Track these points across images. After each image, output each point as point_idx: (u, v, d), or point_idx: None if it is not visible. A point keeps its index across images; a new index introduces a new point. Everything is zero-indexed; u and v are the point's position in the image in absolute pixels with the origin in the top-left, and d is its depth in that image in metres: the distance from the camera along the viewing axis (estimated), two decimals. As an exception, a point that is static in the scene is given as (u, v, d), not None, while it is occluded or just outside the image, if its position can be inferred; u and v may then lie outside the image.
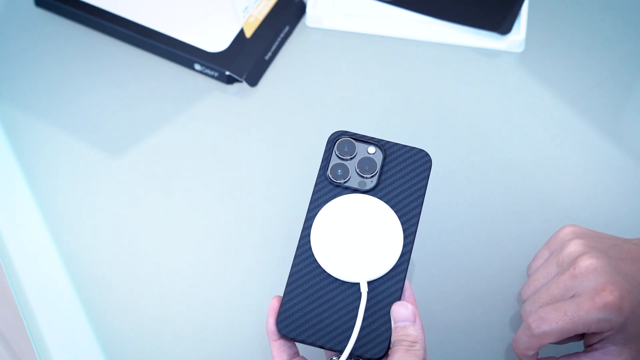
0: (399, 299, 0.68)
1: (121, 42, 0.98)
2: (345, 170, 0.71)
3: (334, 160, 0.71)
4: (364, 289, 0.67)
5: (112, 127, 0.93)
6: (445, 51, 0.97)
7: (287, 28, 0.98)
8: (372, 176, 0.71)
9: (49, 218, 0.87)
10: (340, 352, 0.67)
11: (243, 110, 0.94)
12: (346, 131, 0.72)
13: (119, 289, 0.83)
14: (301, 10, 0.99)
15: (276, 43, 0.97)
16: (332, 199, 0.70)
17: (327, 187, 0.71)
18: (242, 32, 0.96)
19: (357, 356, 0.67)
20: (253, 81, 0.95)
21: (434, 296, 0.81)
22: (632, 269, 0.70)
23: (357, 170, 0.71)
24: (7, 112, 0.94)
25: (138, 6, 0.98)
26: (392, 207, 0.70)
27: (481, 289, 0.81)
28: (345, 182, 0.71)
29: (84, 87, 0.95)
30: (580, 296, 0.68)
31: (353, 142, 0.72)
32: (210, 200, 0.88)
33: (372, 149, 0.72)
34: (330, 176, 0.71)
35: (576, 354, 0.72)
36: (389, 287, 0.68)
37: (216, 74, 0.94)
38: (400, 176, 0.71)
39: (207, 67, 0.94)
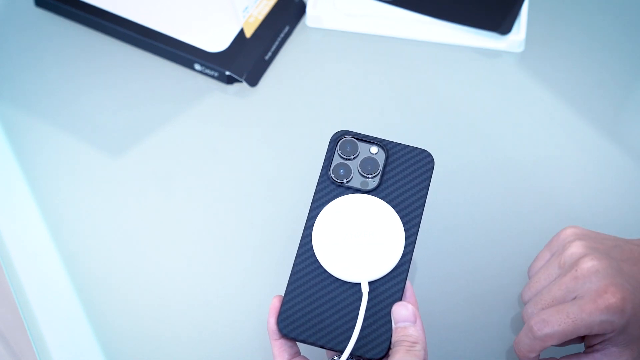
0: (400, 299, 0.68)
1: (121, 42, 0.98)
2: (348, 170, 0.71)
3: (336, 160, 0.71)
4: (365, 290, 0.67)
5: (112, 127, 0.93)
6: (445, 51, 0.97)
7: (287, 28, 0.98)
8: (374, 176, 0.71)
9: (49, 218, 0.87)
10: (341, 352, 0.67)
11: (243, 110, 0.94)
12: (349, 131, 0.72)
13: (119, 289, 0.83)
14: (301, 10, 0.99)
15: (276, 43, 0.97)
16: (334, 198, 0.70)
17: (329, 187, 0.71)
18: (242, 32, 0.96)
19: (358, 356, 0.67)
20: (253, 81, 0.95)
21: (434, 297, 0.81)
22: (634, 270, 0.70)
23: (360, 170, 0.71)
24: (7, 112, 0.94)
25: (138, 6, 0.98)
26: (394, 207, 0.70)
27: (482, 289, 0.81)
28: (347, 182, 0.71)
29: (84, 87, 0.95)
30: (582, 298, 0.68)
31: (355, 142, 0.72)
32: (211, 200, 0.88)
33: (374, 149, 0.72)
34: (333, 176, 0.71)
35: (577, 354, 0.72)
36: (390, 287, 0.68)
37: (216, 74, 0.94)
38: (403, 176, 0.71)
39: (207, 67, 0.94)
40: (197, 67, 0.95)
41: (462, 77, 0.95)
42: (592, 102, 0.93)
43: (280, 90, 0.95)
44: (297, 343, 0.69)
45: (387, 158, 0.71)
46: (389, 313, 0.67)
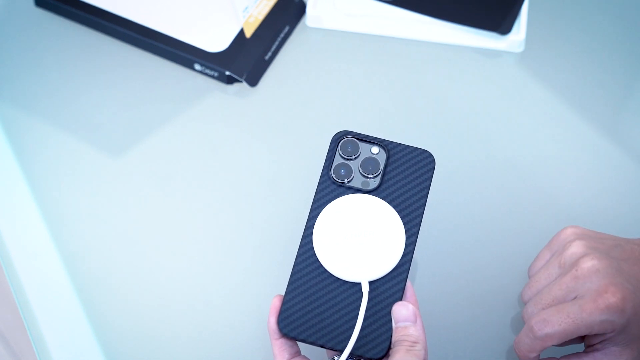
0: (401, 299, 0.68)
1: (121, 42, 0.98)
2: (349, 170, 0.71)
3: (337, 160, 0.71)
4: (365, 289, 0.67)
5: (112, 127, 0.93)
6: (445, 51, 0.97)
7: (287, 28, 0.98)
8: (375, 176, 0.71)
9: (49, 218, 0.87)
10: (341, 351, 0.67)
11: (243, 110, 0.94)
12: (350, 131, 0.72)
13: (119, 289, 0.83)
14: (301, 10, 0.99)
15: (276, 43, 0.97)
16: (334, 198, 0.70)
17: (330, 187, 0.71)
18: (242, 32, 0.96)
19: (358, 356, 0.67)
20: (253, 81, 0.95)
21: (434, 296, 0.81)
22: (634, 269, 0.70)
23: (361, 170, 0.71)
24: (7, 112, 0.94)
25: (138, 6, 0.98)
26: (394, 207, 0.70)
27: (482, 289, 0.81)
28: (348, 182, 0.71)
29: (84, 87, 0.95)
30: (582, 298, 0.68)
31: (356, 142, 0.72)
32: (211, 200, 0.88)
33: (375, 149, 0.72)
34: (334, 176, 0.71)
35: (577, 354, 0.72)
36: (390, 287, 0.68)
37: (216, 74, 0.94)
38: (404, 177, 0.71)
39: (207, 67, 0.94)
40: (197, 67, 0.95)
41: (462, 77, 0.95)
42: (592, 102, 0.93)
43: (280, 90, 0.95)
44: (298, 342, 0.69)
45: (388, 158, 0.71)
46: (389, 313, 0.67)
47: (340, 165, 0.71)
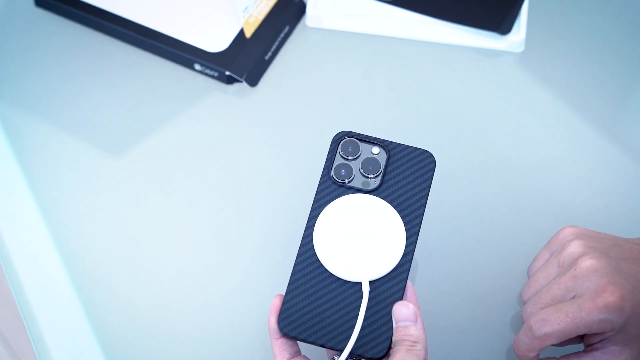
0: (401, 298, 0.68)
1: (121, 42, 0.98)
2: (349, 170, 0.71)
3: (338, 160, 0.71)
4: (366, 289, 0.67)
5: (112, 127, 0.93)
6: (445, 51, 0.97)
7: (287, 28, 0.98)
8: (375, 176, 0.71)
9: (49, 218, 0.87)
10: (342, 351, 0.67)
11: (243, 110, 0.94)
12: (350, 131, 0.72)
13: (119, 289, 0.83)
14: (301, 10, 0.99)
15: (276, 43, 0.97)
16: (335, 198, 0.70)
17: (331, 187, 0.71)
18: (242, 32, 0.96)
19: (358, 356, 0.67)
20: (253, 81, 0.95)
21: (434, 296, 0.81)
22: (633, 268, 0.70)
23: (361, 170, 0.71)
24: (7, 112, 0.94)
25: (138, 6, 0.98)
26: (395, 207, 0.70)
27: (482, 289, 0.81)
28: (348, 182, 0.71)
29: (84, 87, 0.95)
30: (581, 297, 0.68)
31: (357, 143, 0.72)
32: (211, 200, 0.88)
33: (376, 150, 0.72)
34: (334, 176, 0.71)
35: (576, 353, 0.72)
36: (391, 286, 0.68)
37: (216, 74, 0.94)
38: (404, 177, 0.71)
39: (207, 67, 0.94)
40: (197, 67, 0.95)
41: (462, 77, 0.95)
42: (592, 102, 0.93)
43: (280, 90, 0.95)
44: (298, 342, 0.69)
45: (388, 158, 0.71)
46: (390, 312, 0.67)
47: (340, 166, 0.71)
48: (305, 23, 0.99)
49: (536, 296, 0.72)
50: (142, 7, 0.98)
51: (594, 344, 0.71)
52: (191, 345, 0.80)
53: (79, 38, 0.99)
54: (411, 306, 0.67)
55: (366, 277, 0.68)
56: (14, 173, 0.90)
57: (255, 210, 0.87)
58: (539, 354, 0.71)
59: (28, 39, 0.99)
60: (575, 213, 0.85)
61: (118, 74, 0.96)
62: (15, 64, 0.97)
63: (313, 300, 0.68)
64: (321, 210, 0.70)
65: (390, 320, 0.67)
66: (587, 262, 0.69)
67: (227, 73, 0.94)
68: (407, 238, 0.69)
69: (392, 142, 0.72)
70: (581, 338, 0.73)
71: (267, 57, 0.96)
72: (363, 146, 0.72)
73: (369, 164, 0.71)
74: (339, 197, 0.70)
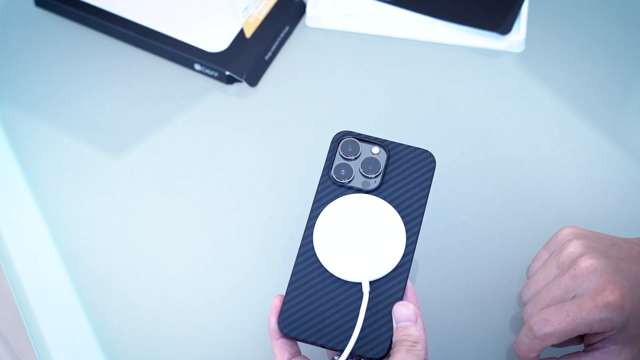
0: (401, 299, 0.68)
1: (121, 42, 0.98)
2: (349, 170, 0.71)
3: (338, 160, 0.71)
4: (366, 289, 0.67)
5: (112, 127, 0.93)
6: (445, 51, 0.97)
7: (287, 28, 0.98)
8: (375, 176, 0.71)
9: (49, 218, 0.87)
10: (342, 351, 0.67)
11: (243, 110, 0.94)
12: (350, 131, 0.72)
13: (119, 289, 0.83)
14: (301, 10, 0.99)
15: (276, 43, 0.97)
16: (335, 198, 0.70)
17: (331, 187, 0.71)
18: (242, 32, 0.96)
19: (358, 356, 0.67)
20: (253, 81, 0.95)
21: (434, 296, 0.81)
22: (632, 268, 0.70)
23: (361, 170, 0.71)
24: (7, 112, 0.94)
25: (138, 6, 0.98)
26: (395, 207, 0.70)
27: (482, 289, 0.81)
28: (348, 182, 0.71)
29: (84, 87, 0.95)
30: (581, 297, 0.68)
31: (357, 143, 0.72)
32: (211, 200, 0.88)
33: (376, 149, 0.72)
34: (334, 176, 0.71)
35: (576, 353, 0.72)
36: (391, 287, 0.68)
37: (216, 74, 0.94)
38: (404, 176, 0.71)
39: (207, 67, 0.94)
40: (197, 67, 0.95)
41: (462, 77, 0.95)
42: (592, 102, 0.93)
43: (280, 90, 0.95)
44: (298, 342, 0.69)
45: (388, 158, 0.71)
46: (390, 313, 0.67)
47: (340, 166, 0.71)
48: (305, 23, 0.99)
49: (536, 297, 0.72)
50: (142, 7, 0.98)
51: (594, 343, 0.71)
52: (191, 345, 0.80)
53: (79, 38, 0.99)
54: (411, 306, 0.67)
55: (366, 277, 0.68)
56: (14, 173, 0.90)
57: (255, 210, 0.87)
58: (539, 355, 0.71)
59: (28, 39, 0.99)
60: (575, 213, 0.85)
61: (118, 74, 0.96)
62: (15, 64, 0.97)
63: (313, 301, 0.68)
64: (321, 210, 0.70)
65: (391, 320, 0.67)
66: (586, 262, 0.69)
67: (227, 73, 0.94)
68: (407, 238, 0.69)
69: (392, 142, 0.72)
70: (581, 338, 0.73)
71: (267, 57, 0.96)
72: (363, 146, 0.72)
73: (369, 164, 0.71)
74: (339, 197, 0.70)
